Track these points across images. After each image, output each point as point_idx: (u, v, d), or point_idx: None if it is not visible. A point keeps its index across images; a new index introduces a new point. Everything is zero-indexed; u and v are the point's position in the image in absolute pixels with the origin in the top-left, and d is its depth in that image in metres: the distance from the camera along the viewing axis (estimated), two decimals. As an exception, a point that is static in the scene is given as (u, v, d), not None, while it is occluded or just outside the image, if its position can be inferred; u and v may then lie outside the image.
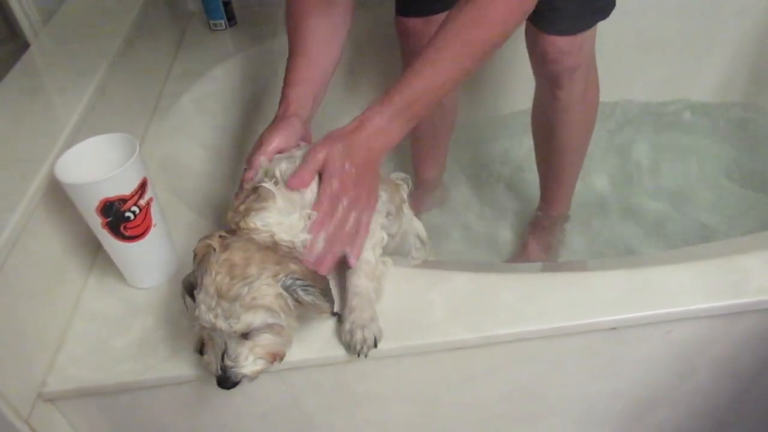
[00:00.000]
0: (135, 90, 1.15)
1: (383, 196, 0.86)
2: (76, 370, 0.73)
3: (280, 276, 0.64)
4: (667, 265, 0.79)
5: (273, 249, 0.67)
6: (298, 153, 0.76)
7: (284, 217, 0.70)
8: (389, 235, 0.88)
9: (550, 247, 1.33)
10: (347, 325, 0.71)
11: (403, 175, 0.99)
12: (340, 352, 0.72)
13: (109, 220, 0.74)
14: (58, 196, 0.76)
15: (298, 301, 0.66)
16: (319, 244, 0.72)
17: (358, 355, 0.70)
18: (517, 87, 1.60)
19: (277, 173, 0.74)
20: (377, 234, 0.79)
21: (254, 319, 0.63)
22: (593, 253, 1.35)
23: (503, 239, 1.42)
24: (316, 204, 0.72)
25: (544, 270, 0.90)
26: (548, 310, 0.75)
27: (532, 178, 1.42)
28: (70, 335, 0.77)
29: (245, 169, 0.78)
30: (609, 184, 1.55)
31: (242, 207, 0.71)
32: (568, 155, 1.25)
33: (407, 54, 1.26)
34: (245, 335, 0.65)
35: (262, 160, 0.77)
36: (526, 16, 0.80)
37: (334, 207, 0.72)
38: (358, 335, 0.70)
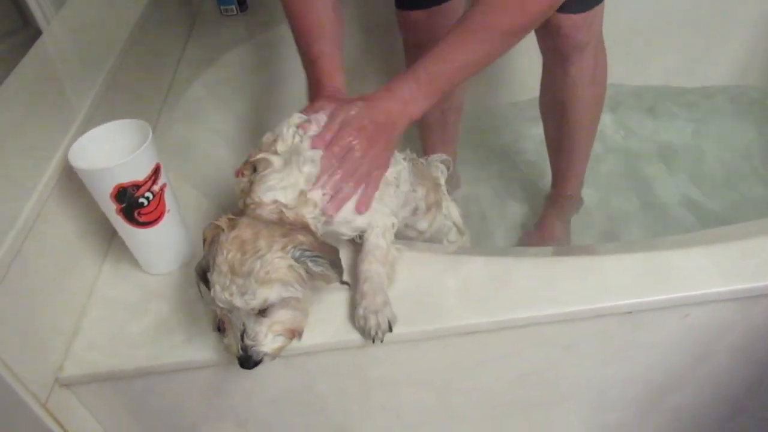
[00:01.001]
0: (147, 76, 1.15)
1: (419, 190, 0.87)
2: (92, 356, 0.74)
3: (289, 248, 0.65)
4: (685, 248, 0.78)
5: (280, 223, 0.67)
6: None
7: (285, 178, 0.71)
8: (418, 231, 0.89)
9: (564, 229, 1.33)
10: (360, 311, 0.71)
11: (444, 156, 1.01)
12: (354, 336, 0.72)
13: (123, 206, 0.74)
14: (73, 183, 0.76)
15: (308, 273, 0.66)
16: (334, 179, 0.73)
17: (373, 341, 0.70)
18: (526, 71, 1.56)
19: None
20: (388, 219, 0.79)
21: (270, 293, 0.64)
22: (608, 238, 1.34)
23: (516, 224, 1.42)
24: (328, 147, 0.73)
25: (557, 254, 0.89)
26: (562, 295, 0.74)
27: (543, 163, 1.41)
28: (86, 321, 0.78)
29: None
30: (625, 167, 1.54)
31: (243, 186, 0.73)
32: (579, 134, 1.23)
33: (410, 46, 1.25)
34: (262, 313, 0.65)
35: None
36: (556, 8, 0.80)
37: (346, 151, 0.74)
38: (372, 321, 0.70)
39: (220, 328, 0.70)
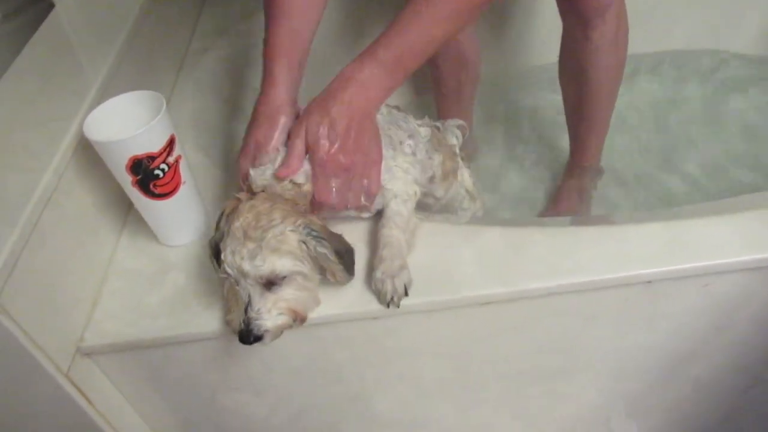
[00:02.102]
0: (161, 47, 1.14)
1: (435, 158, 0.87)
2: (111, 326, 0.75)
3: (300, 223, 0.65)
4: (706, 217, 0.77)
5: (294, 203, 0.68)
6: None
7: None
8: (435, 197, 0.88)
9: (582, 199, 1.31)
10: (378, 274, 0.71)
11: (459, 122, 1.00)
12: (369, 307, 0.72)
13: (138, 177, 0.74)
14: (89, 155, 0.76)
15: (315, 255, 0.67)
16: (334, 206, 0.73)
17: (388, 305, 0.70)
18: (543, 38, 1.55)
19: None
20: (410, 188, 0.79)
21: (279, 263, 0.64)
22: (628, 207, 1.33)
23: (534, 193, 1.40)
24: (315, 184, 0.71)
25: (576, 223, 0.88)
26: (581, 264, 0.73)
27: (562, 130, 1.38)
28: (105, 292, 0.79)
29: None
30: (645, 135, 1.51)
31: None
32: (599, 100, 1.21)
33: None
34: (269, 288, 0.65)
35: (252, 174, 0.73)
36: None
37: (332, 183, 0.71)
38: (389, 285, 0.70)
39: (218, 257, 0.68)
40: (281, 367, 0.80)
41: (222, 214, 0.70)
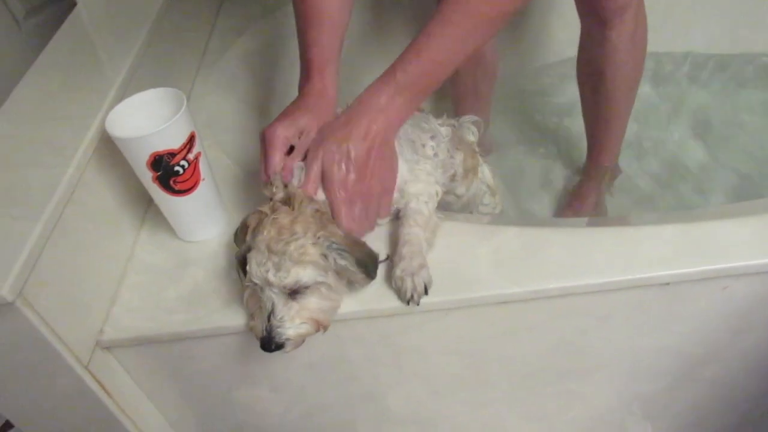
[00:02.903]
0: (180, 46, 1.15)
1: (457, 156, 0.87)
2: (130, 320, 0.75)
3: (320, 234, 0.66)
4: (724, 219, 0.76)
5: (317, 215, 0.69)
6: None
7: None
8: (456, 195, 0.89)
9: (599, 200, 1.30)
10: (397, 272, 0.71)
11: (474, 118, 1.00)
12: (386, 305, 0.72)
13: (159, 174, 0.75)
14: (110, 151, 0.77)
15: (337, 267, 0.68)
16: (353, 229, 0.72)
17: (408, 303, 0.70)
18: (560, 34, 1.57)
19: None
20: (432, 188, 0.79)
21: (303, 273, 0.65)
22: (646, 209, 1.32)
23: (551, 192, 1.40)
24: (332, 209, 0.71)
25: (593, 224, 0.88)
26: (598, 265, 0.73)
27: (579, 128, 1.37)
28: (125, 287, 0.79)
29: (266, 158, 0.74)
30: (664, 136, 1.50)
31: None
32: (617, 101, 1.20)
33: None
34: (293, 296, 0.66)
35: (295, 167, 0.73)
36: None
37: (344, 209, 0.71)
38: (408, 283, 0.70)
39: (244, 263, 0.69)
40: (297, 363, 0.81)
41: (242, 226, 0.71)
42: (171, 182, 0.77)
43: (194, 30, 1.23)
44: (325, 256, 0.67)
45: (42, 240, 0.66)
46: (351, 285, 0.72)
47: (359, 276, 0.69)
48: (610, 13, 1.07)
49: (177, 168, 0.76)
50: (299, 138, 0.74)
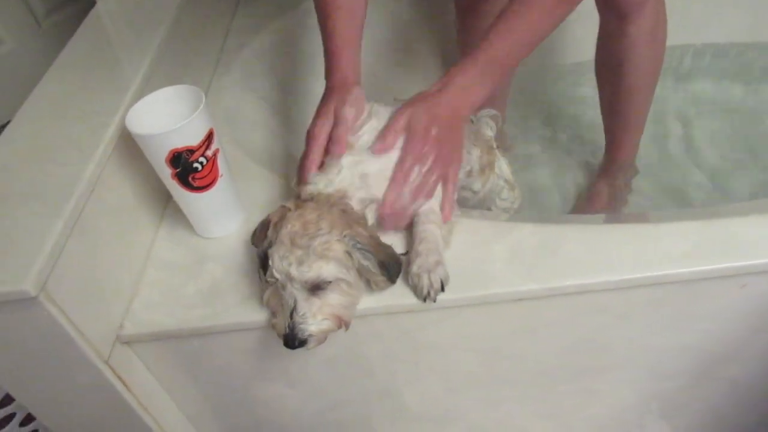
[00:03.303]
0: (198, 44, 1.16)
1: (473, 152, 0.88)
2: (149, 315, 0.76)
3: (347, 233, 0.66)
4: (743, 216, 0.76)
5: (343, 212, 0.69)
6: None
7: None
8: (472, 191, 0.89)
9: (616, 197, 1.29)
10: (414, 269, 0.71)
11: (492, 112, 1.01)
12: (403, 301, 0.72)
13: (177, 170, 0.76)
14: (130, 148, 0.78)
15: (359, 266, 0.68)
16: (402, 198, 0.74)
17: (425, 300, 0.70)
18: (579, 33, 1.52)
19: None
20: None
21: (325, 268, 0.65)
22: (664, 206, 1.30)
23: (568, 189, 1.38)
24: (399, 163, 0.73)
25: (611, 221, 0.87)
26: (615, 262, 0.73)
27: (597, 126, 1.35)
28: (144, 282, 0.80)
29: (311, 139, 0.77)
30: (683, 131, 1.48)
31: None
32: (635, 97, 1.19)
33: (462, 10, 1.23)
34: (315, 292, 0.66)
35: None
36: None
37: (414, 166, 0.73)
38: (425, 280, 0.70)
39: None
40: (315, 360, 0.81)
41: (261, 225, 0.72)
42: (190, 179, 0.77)
43: (212, 28, 1.24)
44: (349, 254, 0.67)
45: (63, 236, 0.66)
46: (369, 285, 0.72)
47: (380, 278, 0.69)
48: (629, 7, 1.05)
49: (195, 165, 0.76)
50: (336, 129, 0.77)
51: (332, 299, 0.67)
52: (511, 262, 0.75)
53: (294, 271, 0.65)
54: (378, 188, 0.74)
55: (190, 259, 0.82)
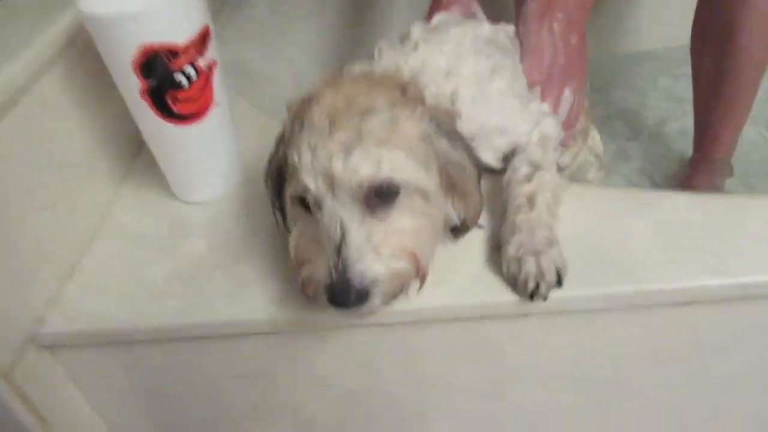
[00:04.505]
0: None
1: None
2: (92, 306, 0.55)
3: (420, 111, 0.46)
4: None
5: (401, 89, 0.47)
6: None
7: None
8: (559, 166, 0.71)
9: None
10: (510, 250, 0.49)
11: None
12: (486, 299, 0.50)
13: (151, 83, 0.54)
14: (83, 52, 0.57)
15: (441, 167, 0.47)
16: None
17: (532, 297, 0.48)
18: (643, 23, 1.44)
19: None
20: (554, 128, 0.60)
21: (395, 161, 0.43)
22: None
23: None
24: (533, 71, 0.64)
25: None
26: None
27: (675, 124, 1.23)
28: (90, 258, 0.60)
29: None
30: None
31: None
32: (743, 75, 0.99)
33: None
34: (374, 210, 0.43)
35: None
36: None
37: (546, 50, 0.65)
38: (531, 266, 0.48)
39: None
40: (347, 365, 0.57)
41: (283, 132, 0.49)
42: (169, 99, 0.56)
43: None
44: (429, 139, 0.45)
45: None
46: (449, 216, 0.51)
47: (474, 185, 0.48)
48: None
49: (179, 77, 0.55)
50: None
51: (403, 222, 0.44)
52: (662, 246, 0.51)
53: (339, 165, 0.42)
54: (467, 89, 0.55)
55: (163, 230, 0.63)
